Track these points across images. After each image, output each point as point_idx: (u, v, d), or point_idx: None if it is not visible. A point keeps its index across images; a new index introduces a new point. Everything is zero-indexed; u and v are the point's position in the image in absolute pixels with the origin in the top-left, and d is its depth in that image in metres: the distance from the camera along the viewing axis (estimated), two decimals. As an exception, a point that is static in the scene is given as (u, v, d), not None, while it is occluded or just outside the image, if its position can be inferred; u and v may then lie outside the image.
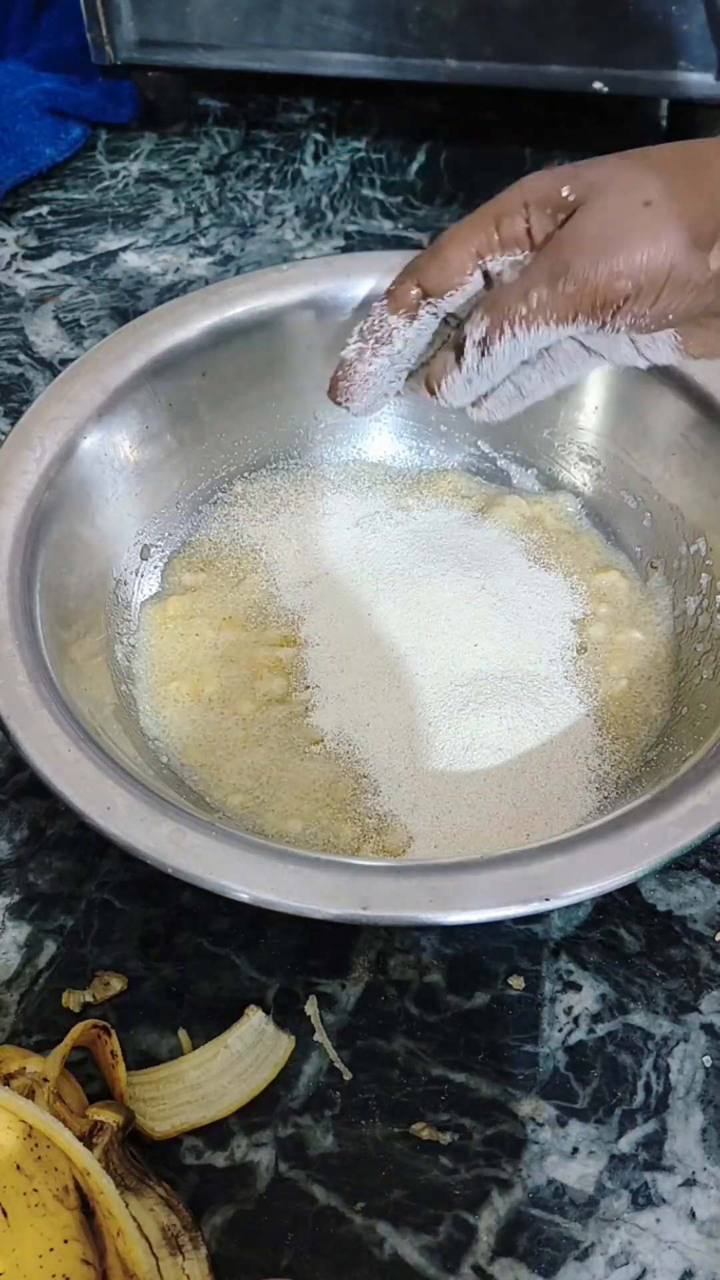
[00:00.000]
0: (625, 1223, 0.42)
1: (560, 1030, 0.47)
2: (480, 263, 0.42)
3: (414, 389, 0.46)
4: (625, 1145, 0.44)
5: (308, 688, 0.54)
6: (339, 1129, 0.44)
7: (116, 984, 0.48)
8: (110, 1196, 0.38)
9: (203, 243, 0.79)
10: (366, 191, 0.82)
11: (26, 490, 0.52)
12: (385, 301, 0.44)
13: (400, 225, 0.80)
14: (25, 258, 0.78)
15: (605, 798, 0.51)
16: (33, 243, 0.79)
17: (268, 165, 0.85)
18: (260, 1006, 0.46)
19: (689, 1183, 0.43)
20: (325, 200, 0.82)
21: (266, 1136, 0.44)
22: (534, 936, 0.49)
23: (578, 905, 0.50)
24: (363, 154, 0.85)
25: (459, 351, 0.43)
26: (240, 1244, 0.42)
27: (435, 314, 0.44)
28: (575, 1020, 0.47)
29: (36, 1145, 0.40)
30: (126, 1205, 0.39)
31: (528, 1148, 0.44)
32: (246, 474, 0.62)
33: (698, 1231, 0.42)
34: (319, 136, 0.87)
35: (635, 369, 0.60)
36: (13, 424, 0.56)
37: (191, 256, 0.78)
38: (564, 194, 0.41)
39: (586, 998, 0.47)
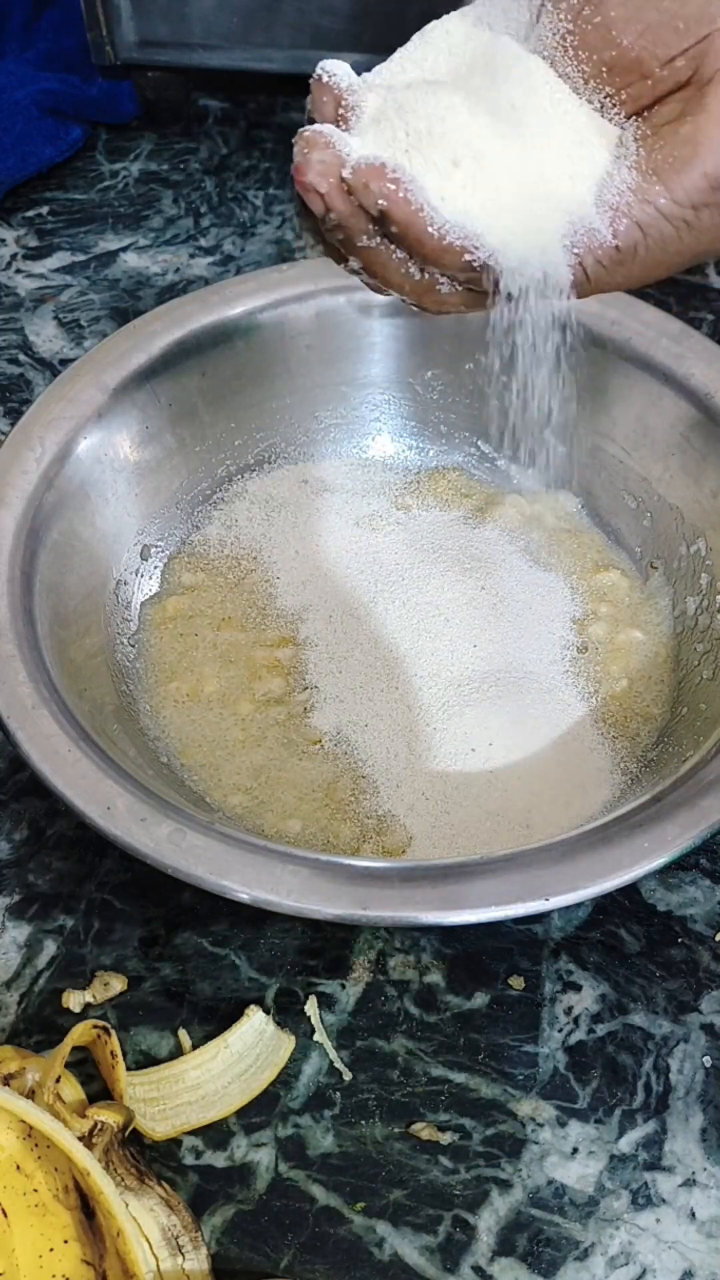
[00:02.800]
0: (625, 1223, 0.42)
1: (560, 1030, 0.47)
2: None
3: None
4: (625, 1145, 0.44)
5: (306, 688, 0.54)
6: (339, 1129, 0.44)
7: (116, 984, 0.48)
8: (110, 1196, 0.38)
9: (203, 243, 0.79)
10: (366, 191, 0.82)
11: (26, 490, 0.52)
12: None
13: (400, 225, 0.80)
14: (25, 258, 0.78)
15: (605, 798, 0.51)
16: (33, 243, 0.79)
17: (268, 165, 0.85)
18: (260, 1006, 0.46)
19: (689, 1183, 0.43)
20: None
21: (266, 1136, 0.44)
22: (534, 936, 0.49)
23: (578, 905, 0.49)
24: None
25: None
26: (240, 1244, 0.42)
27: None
28: (575, 1020, 0.47)
29: (36, 1145, 0.40)
30: (126, 1205, 0.39)
31: (528, 1148, 0.44)
32: (246, 474, 0.62)
33: (698, 1231, 0.42)
34: (319, 136, 0.87)
35: (634, 369, 0.60)
36: (13, 424, 0.56)
37: (191, 256, 0.78)
38: None
39: (586, 998, 0.47)
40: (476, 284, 0.37)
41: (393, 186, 0.35)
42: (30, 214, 0.81)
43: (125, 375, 0.57)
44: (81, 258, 0.78)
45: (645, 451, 0.59)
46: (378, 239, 0.37)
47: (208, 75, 0.88)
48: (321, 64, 0.39)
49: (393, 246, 0.37)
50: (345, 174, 0.35)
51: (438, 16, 0.42)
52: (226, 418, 0.61)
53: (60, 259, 0.78)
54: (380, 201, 0.35)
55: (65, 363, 0.71)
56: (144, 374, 0.57)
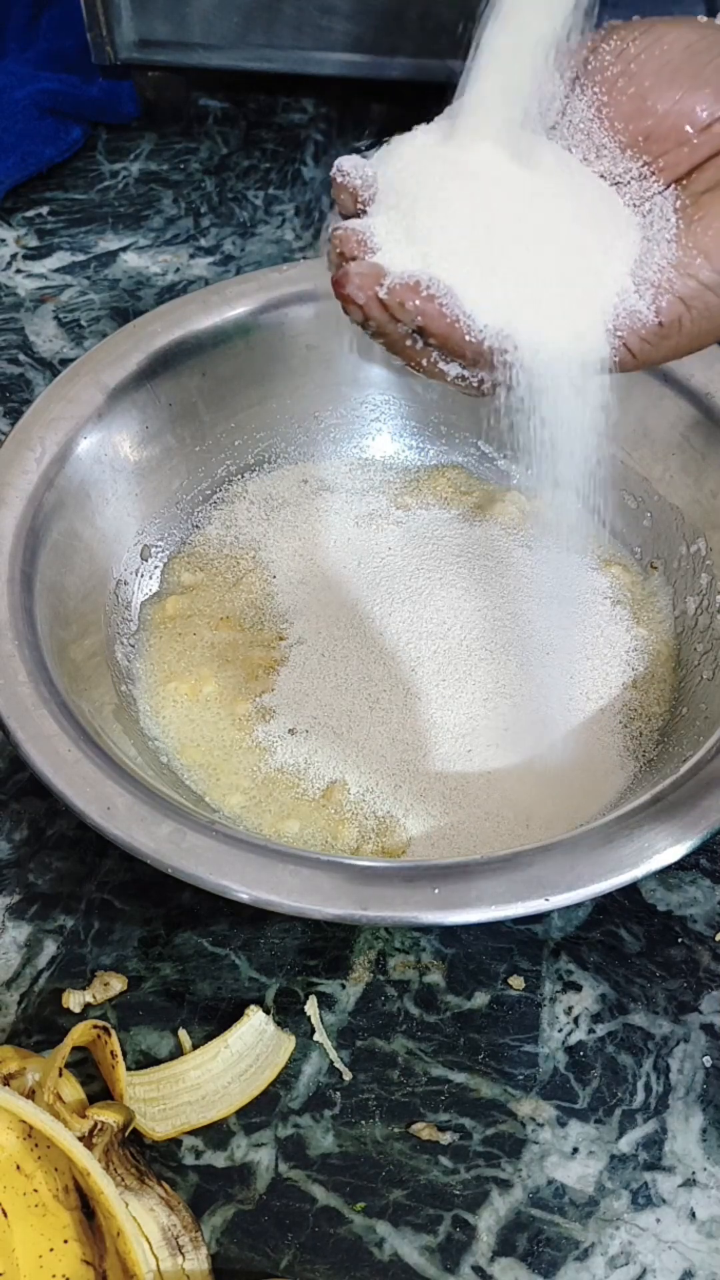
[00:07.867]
0: (625, 1223, 0.42)
1: (560, 1030, 0.47)
2: None
3: None
4: (625, 1145, 0.44)
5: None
6: (339, 1129, 0.44)
7: (116, 984, 0.48)
8: (110, 1196, 0.38)
9: (203, 243, 0.79)
10: (366, 191, 0.82)
11: (26, 490, 0.52)
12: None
13: (400, 225, 0.80)
14: (25, 258, 0.78)
15: (605, 798, 0.51)
16: (33, 243, 0.79)
17: (268, 165, 0.85)
18: (260, 1006, 0.46)
19: (689, 1183, 0.43)
20: (325, 200, 0.82)
21: (266, 1136, 0.44)
22: (534, 936, 0.49)
23: (578, 905, 0.49)
24: (363, 154, 0.85)
25: None
26: (240, 1244, 0.42)
27: None
28: (575, 1020, 0.47)
29: (36, 1145, 0.40)
30: (126, 1205, 0.39)
31: (528, 1148, 0.44)
32: (246, 474, 0.62)
33: (698, 1231, 0.42)
34: (319, 136, 0.87)
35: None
36: (13, 424, 0.56)
37: (191, 256, 0.78)
38: None
39: (586, 998, 0.47)
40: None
41: (427, 303, 0.35)
42: (30, 214, 0.81)
43: (125, 375, 0.57)
44: (81, 258, 0.78)
45: (645, 451, 0.59)
46: (419, 343, 0.37)
47: (208, 75, 0.88)
48: (336, 163, 0.40)
49: (432, 349, 0.37)
50: (382, 294, 0.36)
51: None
52: (226, 418, 0.61)
53: (60, 259, 0.78)
54: (417, 318, 0.35)
55: (65, 363, 0.71)
56: (144, 374, 0.57)
